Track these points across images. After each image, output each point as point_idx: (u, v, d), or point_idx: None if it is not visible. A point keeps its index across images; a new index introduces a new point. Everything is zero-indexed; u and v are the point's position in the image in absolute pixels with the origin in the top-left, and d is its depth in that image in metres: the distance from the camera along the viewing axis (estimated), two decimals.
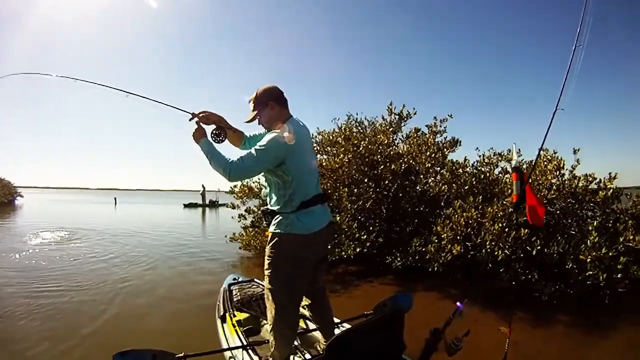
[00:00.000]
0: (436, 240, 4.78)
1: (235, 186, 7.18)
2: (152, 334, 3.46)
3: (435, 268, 4.65)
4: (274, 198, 1.96)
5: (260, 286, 3.29)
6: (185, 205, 25.11)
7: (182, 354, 1.95)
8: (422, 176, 5.85)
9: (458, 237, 4.64)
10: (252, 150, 1.80)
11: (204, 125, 2.03)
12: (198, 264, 6.53)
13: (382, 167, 5.88)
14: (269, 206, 2.00)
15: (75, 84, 2.47)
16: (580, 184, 4.87)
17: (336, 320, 2.50)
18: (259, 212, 7.11)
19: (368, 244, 5.26)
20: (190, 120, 2.02)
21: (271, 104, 1.97)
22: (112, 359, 1.70)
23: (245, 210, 7.22)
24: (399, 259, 5.05)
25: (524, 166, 5.31)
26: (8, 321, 3.67)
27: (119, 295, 4.54)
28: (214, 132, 2.07)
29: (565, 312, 3.88)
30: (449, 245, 4.59)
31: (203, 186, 25.94)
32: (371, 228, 5.54)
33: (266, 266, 1.95)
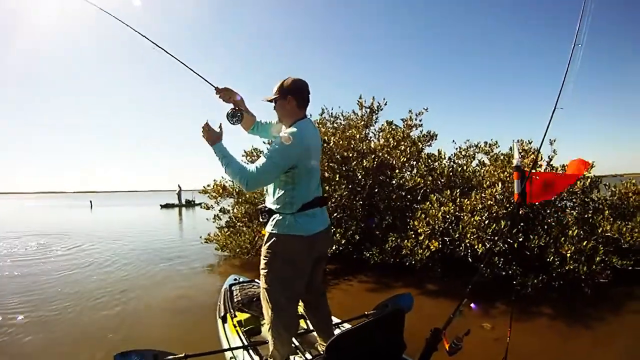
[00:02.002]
0: (413, 236, 4.61)
1: (208, 185, 6.91)
2: (152, 336, 3.41)
3: (413, 264, 4.49)
4: (275, 197, 1.91)
5: None
6: (162, 206, 24.58)
7: (182, 355, 1.97)
8: (397, 171, 5.66)
9: (436, 232, 4.49)
10: (266, 159, 1.78)
11: (223, 102, 2.04)
12: (174, 267, 6.27)
13: (354, 162, 5.65)
14: (267, 204, 1.96)
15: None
16: None
17: (337, 320, 2.51)
18: (234, 210, 6.81)
19: (343, 242, 5.07)
20: (216, 93, 2.05)
21: (290, 97, 1.93)
22: (112, 359, 1.70)
23: (220, 210, 6.92)
24: (376, 255, 4.88)
25: (502, 157, 5.22)
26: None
27: (114, 301, 4.40)
28: (231, 111, 2.03)
29: (549, 305, 3.83)
30: (427, 241, 4.43)
31: (179, 186, 25.58)
32: (345, 226, 5.34)
33: (262, 266, 1.94)
